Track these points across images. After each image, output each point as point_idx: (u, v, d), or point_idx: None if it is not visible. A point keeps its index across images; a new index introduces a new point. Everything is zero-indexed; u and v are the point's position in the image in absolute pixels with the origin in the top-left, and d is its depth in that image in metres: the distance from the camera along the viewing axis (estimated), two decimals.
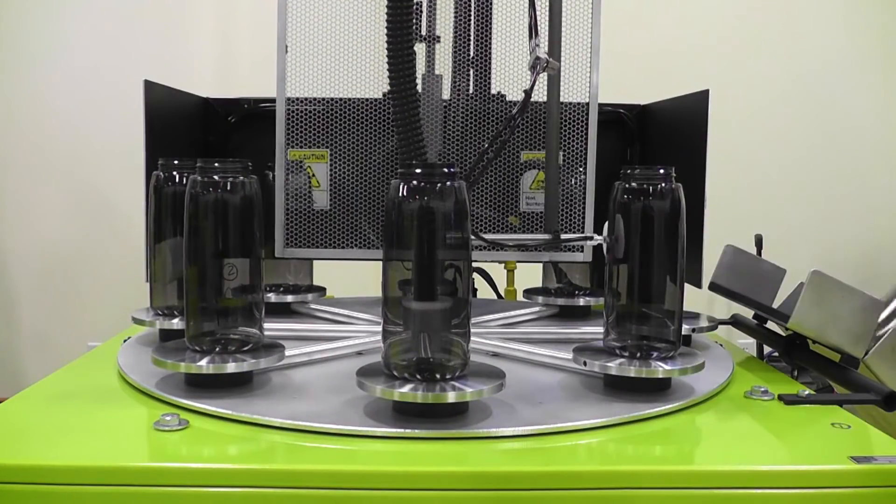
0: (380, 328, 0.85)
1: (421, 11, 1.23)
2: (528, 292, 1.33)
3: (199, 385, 0.89)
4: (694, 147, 1.12)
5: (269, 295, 1.28)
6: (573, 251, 1.24)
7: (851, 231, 2.98)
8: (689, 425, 0.86)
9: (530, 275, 1.47)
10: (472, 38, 1.22)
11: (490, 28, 1.21)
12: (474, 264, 1.46)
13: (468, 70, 1.22)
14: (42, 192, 2.82)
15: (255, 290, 0.92)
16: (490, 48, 1.22)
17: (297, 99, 1.21)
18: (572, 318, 1.28)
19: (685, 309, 0.94)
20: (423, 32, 1.23)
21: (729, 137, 2.79)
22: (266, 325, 0.94)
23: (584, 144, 1.22)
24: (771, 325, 1.22)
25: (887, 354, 1.07)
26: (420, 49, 1.19)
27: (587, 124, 1.21)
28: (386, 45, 1.02)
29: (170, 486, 0.71)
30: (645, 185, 0.91)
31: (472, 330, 0.84)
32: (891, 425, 0.93)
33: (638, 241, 0.92)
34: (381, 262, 0.84)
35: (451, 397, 0.78)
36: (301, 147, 1.22)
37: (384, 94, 1.22)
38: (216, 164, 0.91)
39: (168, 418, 0.80)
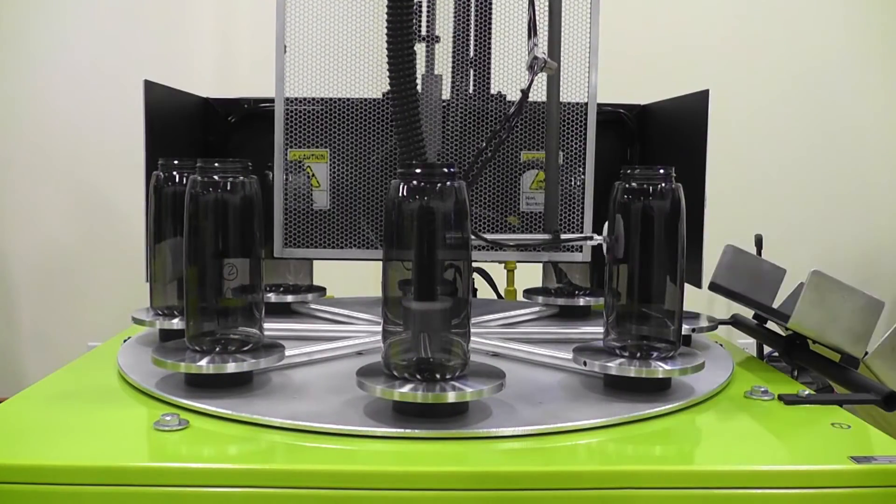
0: (380, 328, 0.85)
1: (421, 11, 1.23)
2: (528, 292, 1.33)
3: (199, 385, 0.89)
4: (694, 147, 1.12)
5: (269, 295, 1.28)
6: (573, 251, 1.24)
7: (851, 231, 2.98)
8: (689, 425, 0.86)
9: (530, 275, 1.47)
10: (472, 38, 1.22)
11: (490, 28, 1.21)
12: (474, 264, 1.46)
13: (468, 70, 1.22)
14: (42, 192, 2.83)
15: (255, 290, 0.92)
16: (490, 48, 1.22)
17: (297, 99, 1.21)
18: (572, 318, 1.28)
19: (685, 309, 0.94)
20: (423, 32, 1.23)
21: (729, 137, 2.79)
22: (266, 325, 0.94)
23: (584, 144, 1.22)
24: (771, 325, 1.22)
25: (887, 354, 1.07)
26: (420, 49, 1.19)
27: (586, 124, 1.21)
28: (386, 45, 1.02)
29: (170, 486, 0.71)
30: (645, 185, 0.91)
31: (472, 330, 0.84)
32: (891, 425, 0.93)
33: (638, 241, 0.92)
34: (381, 262, 0.84)
35: (451, 397, 0.78)
36: (301, 147, 1.22)
37: (384, 94, 1.22)
38: (216, 164, 0.91)
39: (168, 418, 0.80)
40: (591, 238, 1.15)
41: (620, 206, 0.92)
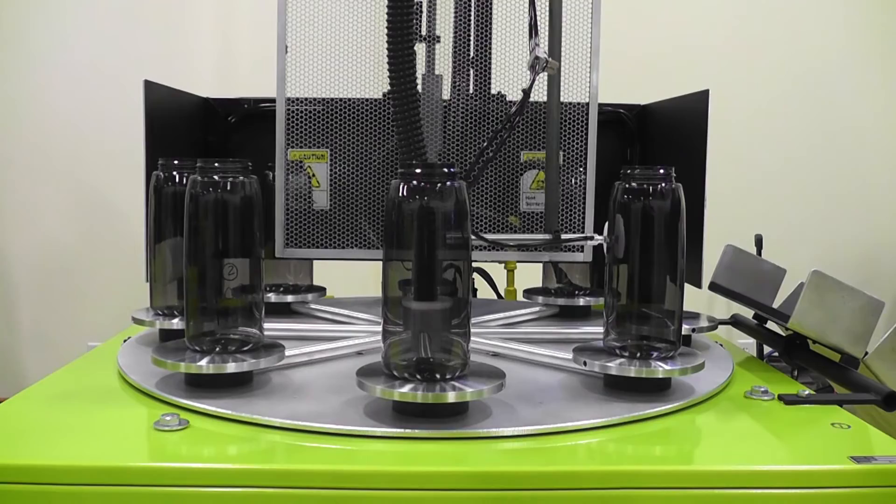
0: (380, 328, 0.85)
1: (421, 11, 1.23)
2: (528, 292, 1.34)
3: (199, 385, 0.89)
4: (694, 147, 1.12)
5: (269, 295, 1.28)
6: (573, 251, 1.24)
7: (851, 231, 2.98)
8: (689, 425, 0.86)
9: (530, 275, 1.47)
10: (472, 38, 1.22)
11: (490, 28, 1.21)
12: (474, 264, 1.46)
13: (468, 70, 1.22)
14: (42, 192, 2.83)
15: (255, 290, 0.92)
16: (490, 48, 1.22)
17: (298, 99, 1.21)
18: (572, 318, 1.28)
19: (685, 309, 0.94)
20: (423, 32, 1.23)
21: (729, 137, 2.79)
22: (266, 325, 0.94)
23: (584, 144, 1.22)
24: (771, 325, 1.22)
25: (887, 354, 1.07)
26: (420, 49, 1.19)
27: (587, 124, 1.21)
28: (386, 46, 1.02)
29: (170, 486, 0.71)
30: (645, 185, 0.91)
31: (472, 330, 0.84)
32: (891, 425, 0.93)
33: (638, 241, 0.92)
34: (381, 262, 0.84)
35: (451, 397, 0.78)
36: (301, 147, 1.22)
37: (384, 94, 1.22)
38: (216, 164, 0.91)
39: (168, 418, 0.80)
40: (591, 238, 1.15)
41: (620, 206, 0.92)
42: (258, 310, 0.93)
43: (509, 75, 1.21)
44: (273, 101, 1.21)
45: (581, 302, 1.29)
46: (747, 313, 1.30)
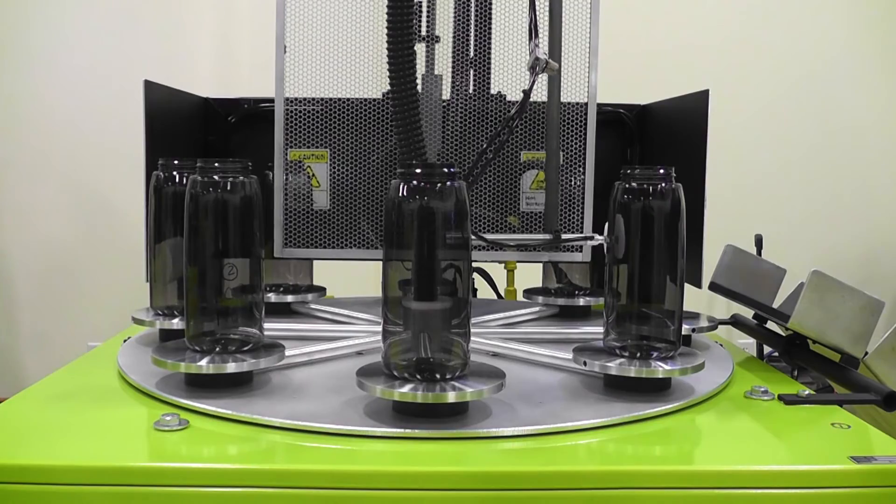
0: (380, 328, 0.85)
1: (421, 11, 1.23)
2: (528, 292, 1.34)
3: (199, 385, 0.89)
4: (694, 147, 1.12)
5: (269, 295, 1.28)
6: (573, 251, 1.24)
7: (851, 231, 2.98)
8: (689, 425, 0.86)
9: (530, 275, 1.47)
10: (472, 38, 1.22)
11: (490, 28, 1.21)
12: (474, 264, 1.46)
13: (468, 70, 1.22)
14: (42, 192, 2.83)
15: (255, 290, 0.92)
16: (490, 48, 1.22)
17: (297, 99, 1.21)
18: (572, 318, 1.28)
19: (685, 309, 0.94)
20: (423, 32, 1.23)
21: (729, 137, 2.79)
22: (266, 325, 0.94)
23: (584, 144, 1.22)
24: (771, 325, 1.22)
25: (887, 354, 1.07)
26: (420, 49, 1.19)
27: (587, 124, 1.21)
28: (386, 46, 1.02)
29: (170, 486, 0.71)
30: (645, 185, 0.91)
31: (472, 330, 0.84)
32: (891, 425, 0.93)
33: (638, 241, 0.92)
34: (381, 262, 0.84)
35: (451, 397, 0.78)
36: (301, 147, 1.22)
37: (384, 94, 1.22)
38: (216, 164, 0.91)
39: (168, 418, 0.80)
40: (591, 238, 1.15)
41: (620, 206, 0.92)
42: (258, 310, 0.93)
43: (509, 75, 1.21)
44: (273, 101, 1.21)
45: (581, 302, 1.29)
46: (747, 313, 1.30)
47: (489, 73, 1.23)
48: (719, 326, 1.19)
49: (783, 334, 1.16)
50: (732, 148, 2.83)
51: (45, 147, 2.81)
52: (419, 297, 0.81)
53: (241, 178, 0.91)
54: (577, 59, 1.19)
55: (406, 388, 0.78)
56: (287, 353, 0.94)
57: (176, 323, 1.07)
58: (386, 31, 1.01)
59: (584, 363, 0.91)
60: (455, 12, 1.21)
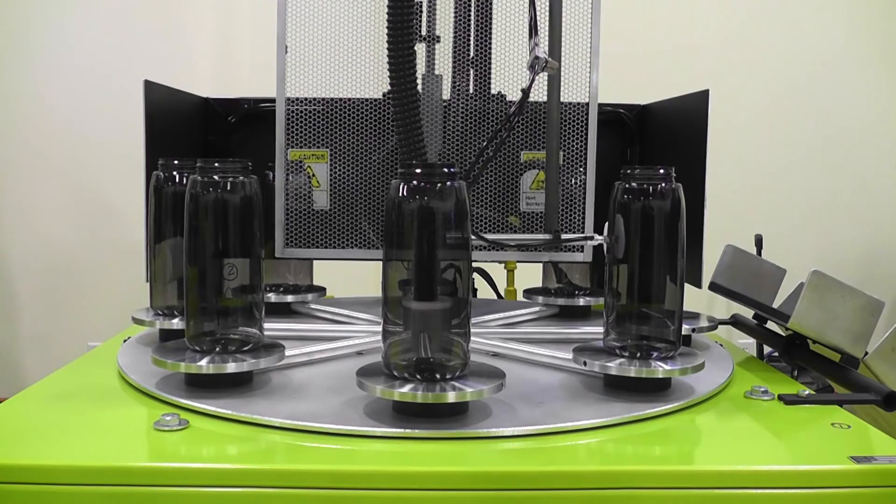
0: (380, 328, 0.85)
1: (421, 11, 1.23)
2: (528, 292, 1.33)
3: (199, 385, 0.89)
4: (694, 147, 1.12)
5: (269, 295, 1.28)
6: (573, 251, 1.24)
7: (851, 231, 2.98)
8: (689, 425, 0.86)
9: (530, 275, 1.47)
10: (472, 38, 1.22)
11: (490, 28, 1.21)
12: (474, 264, 1.46)
13: (468, 70, 1.22)
14: (42, 192, 2.82)
15: (255, 290, 0.92)
16: (490, 48, 1.22)
17: (297, 99, 1.21)
18: (572, 318, 1.28)
19: (685, 309, 0.94)
20: (423, 32, 1.23)
21: (729, 137, 2.79)
22: (266, 325, 0.94)
23: (584, 144, 1.22)
24: (771, 325, 1.22)
25: (887, 354, 1.07)
26: (420, 49, 1.19)
27: (587, 124, 1.21)
28: (386, 46, 1.02)
29: (170, 486, 0.71)
30: (645, 185, 0.91)
31: (472, 330, 0.84)
32: (891, 425, 0.93)
33: (638, 241, 0.92)
34: (381, 262, 0.84)
35: (451, 397, 0.78)
36: (301, 147, 1.22)
37: (384, 94, 1.22)
38: (216, 164, 0.91)
39: (168, 418, 0.80)
40: (591, 238, 1.15)
41: (620, 206, 0.92)
42: (258, 310, 0.93)
43: (509, 75, 1.21)
44: (273, 101, 1.21)
45: (581, 302, 1.29)
46: (747, 313, 1.30)
47: (489, 73, 1.23)
48: (719, 326, 1.19)
49: (783, 334, 1.16)
50: (732, 148, 2.83)
51: (45, 147, 2.81)
52: (419, 297, 0.81)
53: (241, 178, 0.91)
54: (577, 58, 1.19)
55: (406, 388, 0.78)
56: (287, 353, 0.94)
57: (176, 323, 1.07)
58: (386, 31, 1.01)
59: (584, 363, 0.91)
60: (455, 12, 1.21)
